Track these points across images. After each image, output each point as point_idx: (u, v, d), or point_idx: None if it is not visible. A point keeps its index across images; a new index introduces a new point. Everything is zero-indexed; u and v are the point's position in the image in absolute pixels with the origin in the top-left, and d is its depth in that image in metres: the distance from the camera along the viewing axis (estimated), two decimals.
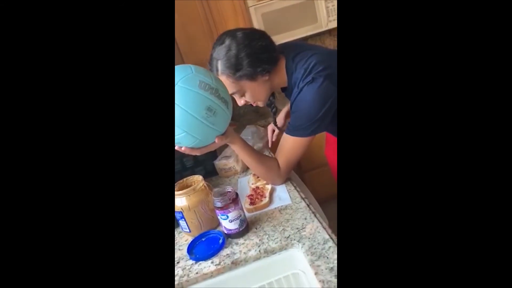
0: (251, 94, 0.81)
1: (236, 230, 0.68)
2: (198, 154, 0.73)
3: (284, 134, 0.82)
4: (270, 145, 1.14)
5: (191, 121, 0.62)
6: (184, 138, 0.65)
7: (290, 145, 0.81)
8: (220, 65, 0.76)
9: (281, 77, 0.81)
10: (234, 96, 0.81)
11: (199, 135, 0.65)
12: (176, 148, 0.70)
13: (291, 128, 0.79)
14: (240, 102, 0.85)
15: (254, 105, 0.87)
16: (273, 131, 1.12)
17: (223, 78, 0.77)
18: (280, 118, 1.13)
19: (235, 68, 0.75)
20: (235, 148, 0.82)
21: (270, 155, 1.15)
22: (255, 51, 0.75)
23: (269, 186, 0.86)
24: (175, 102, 0.60)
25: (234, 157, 1.06)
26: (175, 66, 0.65)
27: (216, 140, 0.71)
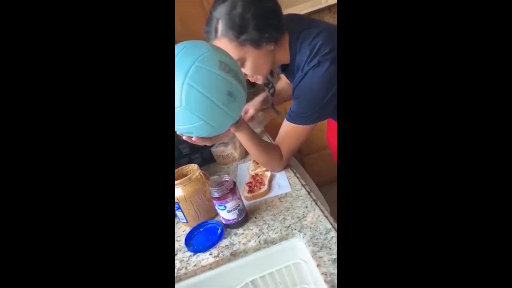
0: (253, 64, 0.70)
1: (235, 220, 0.66)
2: (209, 144, 0.68)
3: (286, 121, 0.76)
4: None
5: (211, 108, 0.53)
6: (200, 128, 0.56)
7: (292, 133, 0.76)
8: (221, 25, 0.65)
9: (284, 53, 0.73)
10: None
11: (217, 123, 0.57)
12: (184, 138, 0.64)
13: (293, 115, 0.73)
14: None
15: (253, 80, 0.76)
16: (245, 112, 1.01)
17: (223, 42, 0.66)
18: (256, 102, 1.02)
19: (239, 30, 0.64)
20: (242, 136, 0.75)
21: (269, 141, 1.12)
22: (264, 13, 0.65)
23: (268, 173, 0.83)
24: (192, 85, 0.50)
25: (232, 144, 1.02)
26: (185, 42, 0.56)
27: (232, 129, 0.66)
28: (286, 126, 0.76)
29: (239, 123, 0.69)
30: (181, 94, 0.50)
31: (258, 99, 1.03)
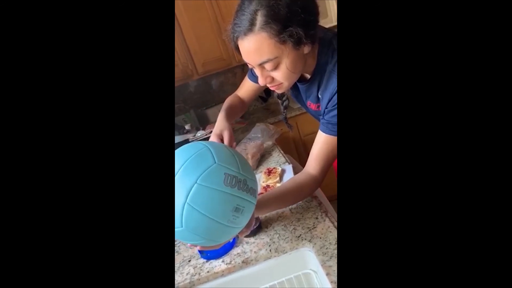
0: (289, 67, 0.58)
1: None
2: (215, 249, 0.63)
3: (324, 136, 0.66)
4: None
5: (214, 228, 0.48)
6: (203, 244, 0.53)
7: (334, 145, 0.66)
8: (261, 16, 0.53)
9: (312, 60, 0.64)
10: (263, 67, 0.59)
11: (222, 238, 0.53)
12: (188, 245, 0.63)
13: (332, 127, 0.64)
14: (266, 80, 0.62)
15: (275, 88, 0.65)
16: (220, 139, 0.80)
17: (260, 38, 0.54)
18: (226, 129, 0.80)
19: (283, 24, 0.53)
20: (265, 212, 0.71)
21: (281, 153, 1.14)
22: (310, 7, 0.56)
23: (279, 185, 0.85)
24: (193, 206, 0.45)
25: (245, 155, 1.06)
26: (191, 149, 0.50)
27: (240, 236, 0.61)
28: (327, 139, 0.66)
29: (250, 223, 0.59)
30: (181, 215, 0.46)
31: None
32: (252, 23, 0.54)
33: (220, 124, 0.79)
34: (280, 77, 0.61)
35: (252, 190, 0.50)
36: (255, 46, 0.55)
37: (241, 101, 0.94)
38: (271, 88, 0.65)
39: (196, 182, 0.45)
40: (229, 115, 0.84)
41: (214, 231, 0.49)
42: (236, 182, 0.48)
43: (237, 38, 0.57)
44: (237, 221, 0.49)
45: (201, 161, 0.47)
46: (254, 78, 0.87)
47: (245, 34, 0.55)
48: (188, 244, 0.60)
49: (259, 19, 0.53)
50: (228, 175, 0.47)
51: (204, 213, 0.46)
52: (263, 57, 0.56)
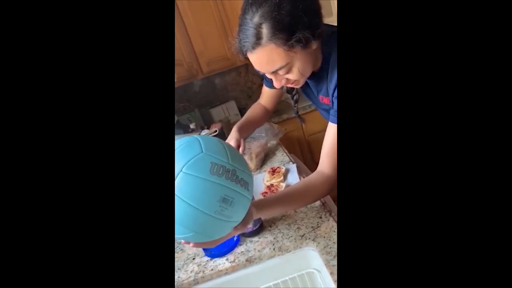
0: (301, 68, 0.59)
1: (250, 229, 0.68)
2: (211, 247, 0.59)
3: (334, 127, 0.63)
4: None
5: (202, 219, 0.46)
6: (194, 238, 0.51)
7: None
8: (266, 29, 0.53)
9: (319, 55, 0.64)
10: (276, 73, 0.60)
11: (212, 232, 0.50)
12: (182, 242, 0.57)
13: None
14: (281, 82, 0.63)
15: (293, 85, 0.66)
16: (238, 144, 0.90)
17: (269, 49, 0.55)
18: (233, 138, 0.89)
19: (289, 31, 0.53)
20: (267, 215, 0.68)
21: (285, 152, 1.14)
22: (312, 8, 0.56)
23: (283, 184, 0.86)
24: (178, 195, 0.44)
25: (248, 155, 1.06)
26: (178, 140, 0.49)
27: (234, 232, 0.56)
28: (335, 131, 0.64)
29: (246, 221, 0.55)
30: None
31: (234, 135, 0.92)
32: (258, 37, 0.54)
33: (230, 135, 0.90)
34: (295, 77, 0.61)
35: (243, 182, 0.49)
36: (265, 58, 0.56)
37: (264, 109, 1.01)
38: (288, 86, 0.67)
39: (181, 171, 0.45)
40: (242, 127, 0.93)
41: (202, 223, 0.47)
42: (224, 172, 0.46)
43: (246, 51, 0.58)
44: (226, 213, 0.47)
45: (188, 151, 0.47)
46: (269, 84, 0.87)
47: (253, 48, 0.55)
48: (182, 241, 0.57)
49: (265, 32, 0.53)
50: (214, 164, 0.46)
51: (189, 203, 0.45)
52: (275, 66, 0.57)
